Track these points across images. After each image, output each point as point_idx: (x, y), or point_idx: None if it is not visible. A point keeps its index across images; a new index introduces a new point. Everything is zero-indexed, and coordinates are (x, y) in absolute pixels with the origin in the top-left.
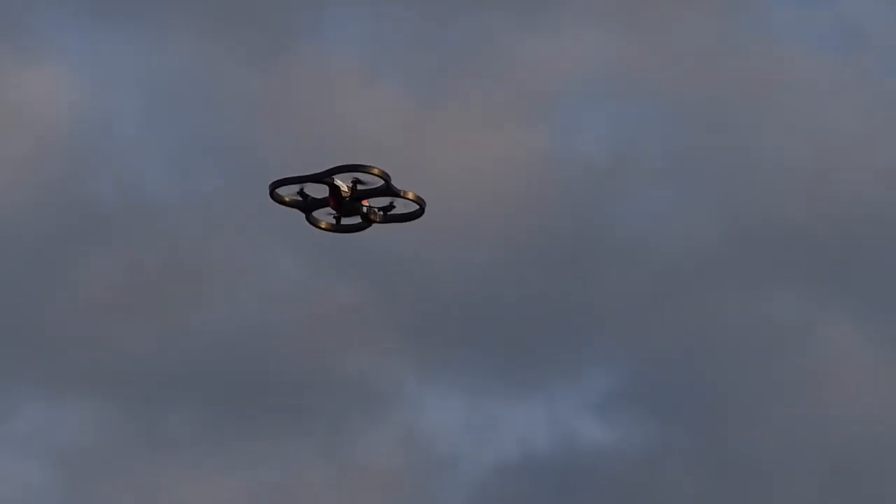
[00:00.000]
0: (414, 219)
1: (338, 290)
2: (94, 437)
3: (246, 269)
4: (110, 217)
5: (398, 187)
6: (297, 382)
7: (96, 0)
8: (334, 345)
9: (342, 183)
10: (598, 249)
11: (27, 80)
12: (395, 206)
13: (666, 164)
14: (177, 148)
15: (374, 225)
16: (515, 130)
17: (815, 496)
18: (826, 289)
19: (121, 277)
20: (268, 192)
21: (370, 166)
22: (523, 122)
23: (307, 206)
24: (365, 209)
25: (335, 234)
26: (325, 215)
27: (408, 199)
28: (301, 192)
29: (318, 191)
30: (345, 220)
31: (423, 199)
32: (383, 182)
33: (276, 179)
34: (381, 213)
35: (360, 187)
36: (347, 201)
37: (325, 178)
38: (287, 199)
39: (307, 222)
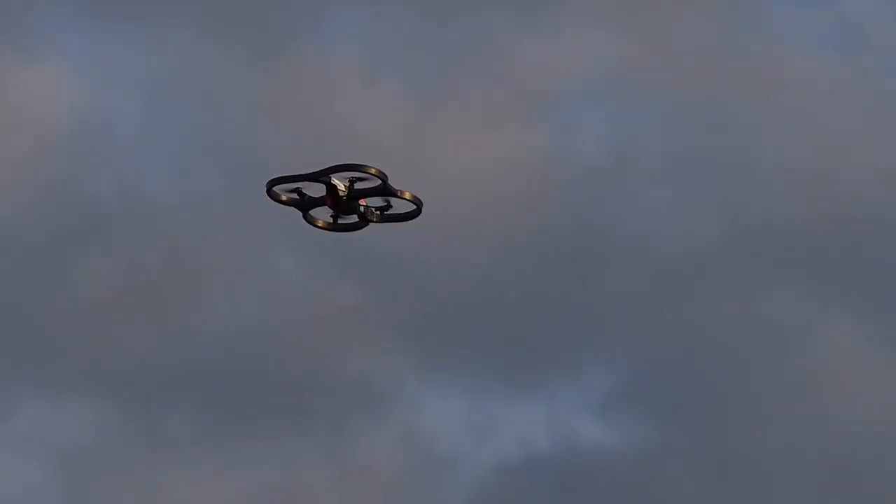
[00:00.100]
0: (411, 219)
1: (338, 291)
2: (94, 437)
3: (246, 269)
4: (110, 217)
5: (396, 187)
6: (298, 383)
7: (96, 0)
8: (334, 345)
9: (339, 182)
10: (598, 249)
11: (27, 79)
12: (392, 206)
13: (666, 164)
14: (177, 148)
15: (372, 224)
16: (515, 130)
17: (815, 496)
18: (826, 289)
19: (121, 277)
20: (265, 190)
21: (367, 166)
22: (523, 121)
23: (304, 204)
24: (362, 208)
25: (332, 232)
26: (322, 214)
27: (405, 199)
28: (298, 191)
29: (316, 190)
30: (342, 220)
31: (419, 200)
32: (380, 182)
33: (273, 178)
34: (378, 212)
35: (357, 187)
36: (344, 200)
37: (322, 177)
38: (284, 197)
39: (304, 220)
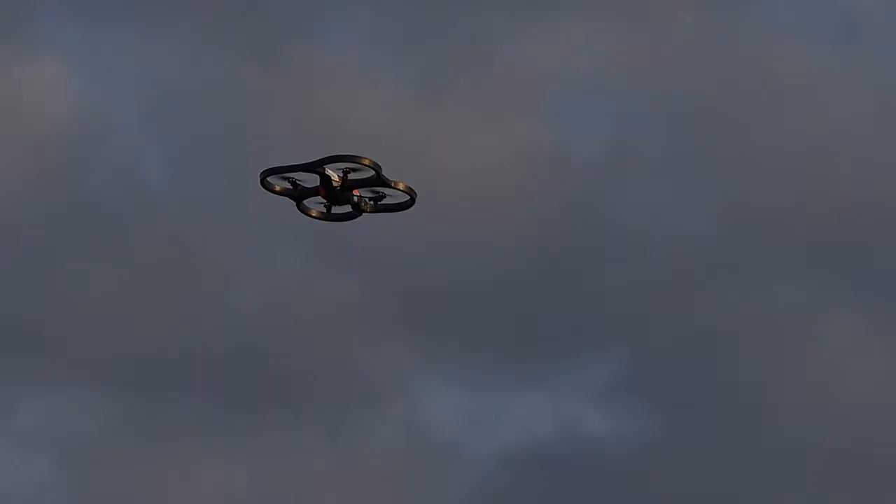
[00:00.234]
0: (405, 209)
1: (338, 282)
2: (94, 429)
3: (245, 262)
4: (109, 212)
5: (389, 178)
6: (297, 374)
7: None
8: (335, 336)
9: (333, 173)
10: (598, 240)
11: (25, 77)
12: (385, 196)
13: (665, 156)
14: (176, 145)
15: (365, 214)
16: (514, 124)
17: (818, 485)
18: (828, 280)
19: (120, 271)
20: (259, 181)
21: (361, 156)
22: (522, 115)
23: (298, 195)
24: (355, 199)
25: (326, 223)
26: (316, 204)
27: (398, 189)
28: (292, 182)
29: (310, 180)
30: (335, 210)
31: (413, 190)
32: (374, 172)
33: (266, 168)
34: (372, 202)
35: (351, 177)
36: (338, 191)
37: (316, 167)
38: (277, 188)
39: (298, 210)
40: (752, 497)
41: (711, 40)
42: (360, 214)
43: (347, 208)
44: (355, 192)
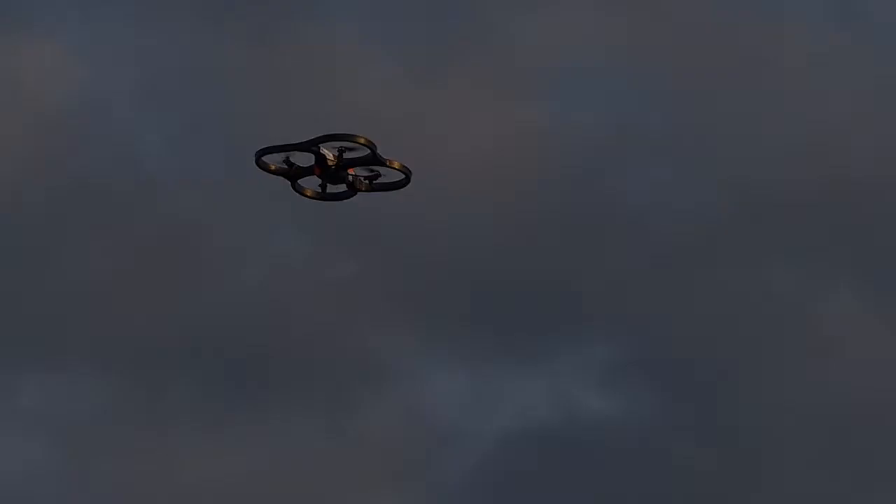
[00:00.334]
0: (400, 188)
1: (339, 263)
2: (95, 412)
3: (245, 243)
4: (109, 193)
5: (384, 156)
6: (298, 356)
7: None
8: (336, 318)
9: (328, 152)
10: (599, 221)
11: (24, 57)
12: (381, 175)
13: (665, 137)
14: (175, 125)
15: (360, 193)
16: (514, 103)
17: (818, 466)
18: (829, 262)
19: (120, 253)
20: (254, 160)
21: (356, 135)
22: (523, 97)
23: (293, 174)
24: (351, 178)
25: (321, 202)
26: (311, 184)
27: (393, 168)
28: (287, 161)
29: (305, 159)
30: (331, 189)
31: (409, 169)
32: (369, 151)
33: (261, 147)
34: (367, 181)
35: (346, 156)
36: (333, 170)
37: (311, 146)
38: (273, 167)
39: (293, 190)
40: (751, 476)
41: (712, 21)
42: (356, 193)
43: (343, 187)
44: (350, 171)
